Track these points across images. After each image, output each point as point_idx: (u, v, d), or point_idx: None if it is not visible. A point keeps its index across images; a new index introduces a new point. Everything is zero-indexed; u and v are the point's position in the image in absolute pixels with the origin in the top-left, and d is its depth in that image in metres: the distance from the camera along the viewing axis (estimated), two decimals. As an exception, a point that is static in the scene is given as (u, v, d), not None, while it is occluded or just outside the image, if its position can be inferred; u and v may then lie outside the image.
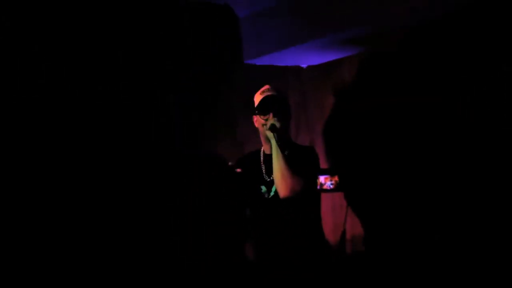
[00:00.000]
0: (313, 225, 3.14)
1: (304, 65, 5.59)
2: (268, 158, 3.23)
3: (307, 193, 3.07)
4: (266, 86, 3.32)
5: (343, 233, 4.90)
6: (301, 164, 3.12)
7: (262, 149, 3.32)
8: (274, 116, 3.15)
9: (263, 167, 3.28)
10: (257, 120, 3.24)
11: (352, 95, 5.37)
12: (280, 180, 3.06)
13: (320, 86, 5.52)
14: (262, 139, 3.27)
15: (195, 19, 5.10)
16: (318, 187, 4.91)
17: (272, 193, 3.17)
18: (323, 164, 5.08)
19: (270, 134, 3.13)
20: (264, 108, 3.20)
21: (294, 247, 2.98)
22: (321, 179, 4.87)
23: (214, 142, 5.29)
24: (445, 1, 4.33)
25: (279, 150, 3.08)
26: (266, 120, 3.17)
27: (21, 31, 3.71)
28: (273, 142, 3.11)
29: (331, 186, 4.77)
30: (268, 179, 3.22)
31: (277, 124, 3.13)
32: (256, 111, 3.23)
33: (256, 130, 3.30)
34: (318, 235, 3.14)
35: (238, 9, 5.04)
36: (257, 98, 3.27)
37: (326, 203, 4.92)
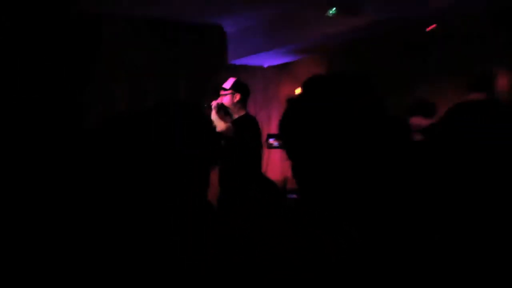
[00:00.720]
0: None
1: (265, 65, 7.89)
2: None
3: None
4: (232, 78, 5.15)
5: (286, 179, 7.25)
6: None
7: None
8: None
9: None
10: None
11: (296, 85, 7.75)
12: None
13: (277, 80, 7.86)
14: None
15: (197, 36, 7.12)
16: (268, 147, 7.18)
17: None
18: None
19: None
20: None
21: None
22: (270, 140, 7.27)
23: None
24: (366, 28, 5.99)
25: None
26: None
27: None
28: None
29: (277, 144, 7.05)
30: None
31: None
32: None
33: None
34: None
35: (227, 27, 7.18)
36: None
37: (275, 156, 7.30)
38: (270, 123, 7.62)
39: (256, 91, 7.00)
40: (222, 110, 4.79)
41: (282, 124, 1.24)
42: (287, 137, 1.23)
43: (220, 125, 4.60)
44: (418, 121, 5.32)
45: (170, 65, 7.01)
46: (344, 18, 5.84)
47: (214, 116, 4.65)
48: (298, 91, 4.86)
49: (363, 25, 5.87)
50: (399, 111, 5.49)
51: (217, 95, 4.91)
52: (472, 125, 2.71)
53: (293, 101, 1.29)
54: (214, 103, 4.78)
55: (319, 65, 7.74)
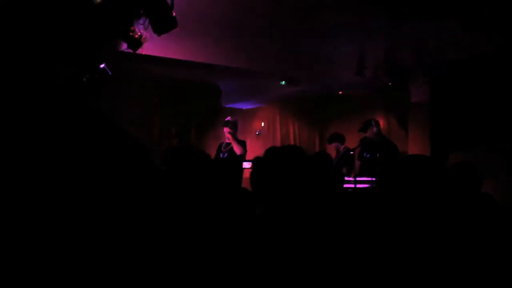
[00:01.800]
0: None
1: (244, 107, 12.45)
2: (227, 144, 9.49)
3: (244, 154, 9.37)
4: (228, 118, 9.00)
5: None
6: (242, 144, 9.05)
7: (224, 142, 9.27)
8: (230, 129, 8.61)
9: (222, 146, 8.55)
10: (225, 130, 8.84)
11: (261, 120, 12.62)
12: (238, 147, 7.90)
13: (248, 117, 12.53)
14: (225, 138, 8.98)
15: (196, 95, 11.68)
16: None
17: (226, 155, 6.99)
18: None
19: (228, 135, 9.13)
20: (226, 124, 8.68)
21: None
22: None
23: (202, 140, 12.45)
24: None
25: (234, 137, 8.17)
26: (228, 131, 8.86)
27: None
28: (231, 139, 8.66)
29: None
30: (224, 151, 8.58)
31: (232, 133, 8.69)
32: (224, 126, 8.87)
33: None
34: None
35: (221, 85, 11.96)
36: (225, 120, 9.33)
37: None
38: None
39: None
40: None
41: (254, 173, 2.03)
42: (257, 179, 2.02)
43: (240, 143, 7.80)
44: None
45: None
46: (289, 86, 10.02)
47: (232, 137, 7.96)
48: (262, 124, 10.58)
49: (300, 90, 10.31)
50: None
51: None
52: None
53: (258, 160, 2.05)
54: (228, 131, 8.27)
55: (275, 109, 12.58)
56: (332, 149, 9.25)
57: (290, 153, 2.14)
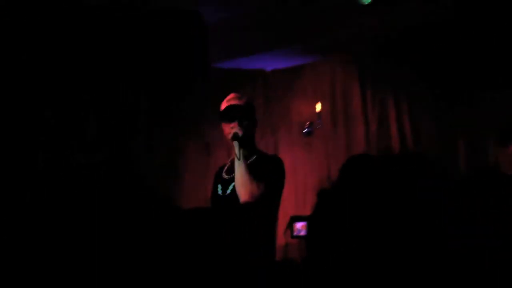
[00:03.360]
0: (263, 231, 3.19)
1: (268, 69, 5.75)
2: (232, 160, 3.32)
3: (265, 199, 3.20)
4: (232, 95, 3.36)
5: None
6: (263, 171, 3.20)
7: (232, 156, 3.41)
8: (239, 125, 3.22)
9: (225, 167, 3.38)
10: (224, 129, 3.33)
11: (313, 99, 5.56)
12: (240, 185, 3.15)
13: (283, 89, 5.70)
14: (231, 145, 3.35)
15: (160, 25, 5.17)
16: (295, 233, 5.00)
17: (228, 191, 3.25)
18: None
19: (233, 143, 3.23)
20: (228, 116, 3.26)
21: (238, 247, 3.04)
22: (298, 225, 5.00)
23: (178, 147, 5.35)
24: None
25: (241, 157, 3.18)
26: (232, 128, 3.24)
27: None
28: (236, 150, 3.21)
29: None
30: (226, 177, 3.32)
31: (239, 133, 3.20)
32: (221, 119, 3.31)
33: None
34: (265, 242, 3.17)
35: (208, 15, 5.17)
36: (223, 105, 3.33)
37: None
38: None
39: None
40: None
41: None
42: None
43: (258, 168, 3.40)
44: None
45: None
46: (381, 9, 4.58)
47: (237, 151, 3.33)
48: (318, 107, 5.42)
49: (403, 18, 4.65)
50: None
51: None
52: None
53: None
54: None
55: (349, 70, 5.52)
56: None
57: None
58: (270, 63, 5.64)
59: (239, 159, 3.15)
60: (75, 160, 4.59)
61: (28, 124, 4.47)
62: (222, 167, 3.45)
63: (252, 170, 3.15)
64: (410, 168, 1.64)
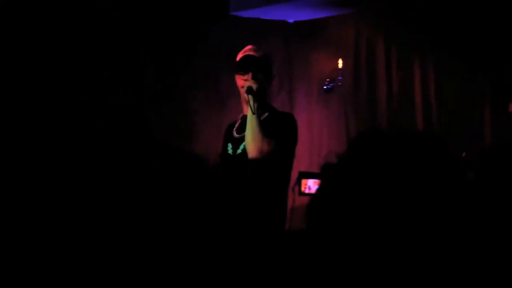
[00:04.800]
0: (274, 190, 3.12)
1: (290, 20, 5.52)
2: (244, 117, 3.20)
3: (276, 157, 3.08)
4: (249, 46, 3.22)
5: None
6: (275, 128, 3.08)
7: (242, 113, 3.29)
8: (252, 78, 3.08)
9: (236, 125, 3.27)
10: (238, 81, 3.20)
11: (335, 54, 5.35)
12: (250, 141, 3.04)
13: (305, 42, 5.47)
14: (242, 101, 3.24)
15: None
16: (307, 190, 4.87)
17: (239, 151, 3.14)
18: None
19: (246, 96, 3.09)
20: (243, 67, 3.12)
21: (248, 209, 2.96)
22: (309, 182, 4.84)
23: (192, 95, 5.19)
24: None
25: (255, 111, 3.06)
26: (245, 81, 3.11)
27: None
28: (250, 103, 3.09)
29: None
30: (237, 136, 3.20)
31: (254, 87, 3.06)
32: (235, 71, 3.18)
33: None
34: (275, 203, 3.13)
35: None
36: (239, 56, 3.20)
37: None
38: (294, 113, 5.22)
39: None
40: None
41: None
42: None
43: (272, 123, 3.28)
44: None
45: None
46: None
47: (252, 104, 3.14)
48: (340, 63, 5.06)
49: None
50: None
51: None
52: None
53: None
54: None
55: (369, 26, 5.28)
56: None
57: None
58: (292, 14, 5.39)
59: (253, 113, 3.01)
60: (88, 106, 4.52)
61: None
62: (233, 125, 3.33)
63: (263, 127, 3.02)
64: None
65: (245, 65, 3.12)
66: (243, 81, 3.12)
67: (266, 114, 3.15)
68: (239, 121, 3.26)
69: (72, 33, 4.53)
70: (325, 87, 5.09)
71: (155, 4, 4.86)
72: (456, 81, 4.95)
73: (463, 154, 4.46)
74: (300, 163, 4.74)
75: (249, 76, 3.09)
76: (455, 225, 1.50)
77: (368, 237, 1.47)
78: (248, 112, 3.05)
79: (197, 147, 4.96)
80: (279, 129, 3.07)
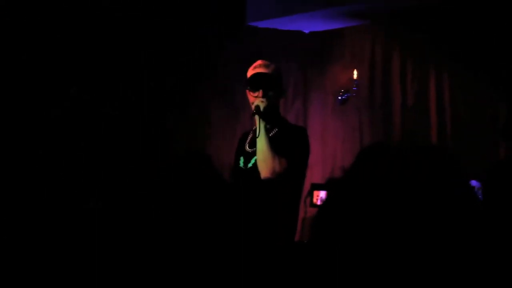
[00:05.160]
0: (284, 207, 3.10)
1: (306, 31, 5.53)
2: (255, 131, 3.16)
3: (288, 175, 3.07)
4: (259, 62, 3.20)
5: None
6: (286, 145, 3.08)
7: (254, 126, 3.29)
8: (263, 96, 3.07)
9: (248, 138, 3.26)
10: (249, 97, 3.19)
11: (350, 65, 5.36)
12: (261, 161, 3.04)
13: (320, 53, 5.48)
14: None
15: None
16: (319, 202, 4.84)
17: (250, 165, 3.13)
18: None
19: (256, 118, 3.08)
20: (253, 85, 3.11)
21: (257, 224, 2.94)
22: (321, 194, 4.83)
23: (208, 108, 5.22)
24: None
25: (262, 131, 3.05)
26: (255, 97, 3.10)
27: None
28: (256, 124, 3.08)
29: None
30: (249, 150, 3.19)
31: (262, 106, 3.05)
32: (246, 87, 3.16)
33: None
34: (286, 219, 3.11)
35: None
36: (249, 72, 3.18)
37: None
38: (308, 125, 5.16)
39: (287, 70, 4.70)
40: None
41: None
42: None
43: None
44: None
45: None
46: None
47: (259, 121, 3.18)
48: (355, 74, 5.16)
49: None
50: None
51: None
52: None
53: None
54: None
55: (384, 37, 5.27)
56: None
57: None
58: (308, 25, 5.40)
59: (257, 136, 3.02)
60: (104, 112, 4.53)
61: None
62: (246, 135, 3.32)
63: (274, 144, 3.02)
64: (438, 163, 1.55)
65: (255, 83, 3.11)
66: (253, 98, 3.11)
67: (276, 130, 3.13)
68: (251, 135, 3.26)
69: (80, 34, 4.55)
70: (339, 98, 5.09)
71: (172, 14, 4.89)
72: (472, 93, 4.92)
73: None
74: (312, 174, 4.74)
75: (259, 93, 3.09)
76: (468, 242, 1.48)
77: (375, 250, 1.45)
78: (257, 131, 3.04)
79: (211, 155, 4.98)
80: (291, 146, 3.06)
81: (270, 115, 3.08)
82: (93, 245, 1.47)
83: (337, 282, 1.41)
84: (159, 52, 4.98)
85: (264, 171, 3.02)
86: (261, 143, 3.03)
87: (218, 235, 1.68)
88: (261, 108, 3.04)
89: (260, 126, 3.03)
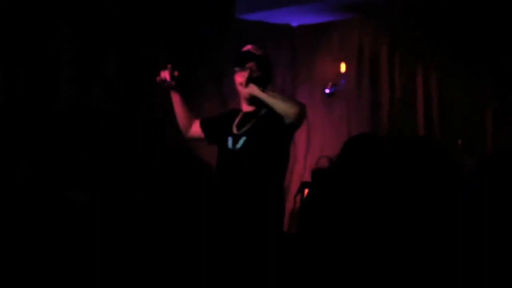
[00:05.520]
0: (273, 184, 3.17)
1: (295, 24, 5.54)
2: (243, 114, 3.23)
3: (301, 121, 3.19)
4: (249, 46, 3.24)
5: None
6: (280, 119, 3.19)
7: (242, 110, 3.31)
8: (250, 75, 3.11)
9: (236, 121, 3.26)
10: (236, 78, 3.20)
11: (338, 58, 5.37)
12: (285, 102, 3.14)
13: (309, 46, 5.49)
14: (241, 99, 3.24)
15: None
16: None
17: (238, 145, 3.16)
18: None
19: (250, 89, 3.10)
20: (241, 62, 3.14)
21: (247, 205, 3.02)
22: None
23: (200, 98, 5.21)
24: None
25: (264, 90, 3.11)
26: (243, 77, 3.12)
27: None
28: (256, 91, 3.10)
29: None
30: (237, 132, 3.22)
31: (254, 75, 3.11)
32: (234, 66, 3.18)
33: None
34: (274, 196, 3.17)
35: None
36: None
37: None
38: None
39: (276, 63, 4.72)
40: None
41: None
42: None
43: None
44: None
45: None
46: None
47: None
48: (343, 68, 5.11)
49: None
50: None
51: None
52: None
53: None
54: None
55: (373, 30, 5.30)
56: None
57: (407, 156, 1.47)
58: (296, 18, 5.41)
59: (265, 95, 3.10)
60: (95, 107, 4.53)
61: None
62: (231, 116, 3.32)
63: (265, 123, 3.11)
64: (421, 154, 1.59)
65: (243, 60, 3.13)
66: (241, 78, 3.13)
67: (265, 111, 3.18)
68: (239, 118, 3.27)
69: (80, 33, 4.55)
70: (327, 90, 5.10)
71: (158, 6, 4.87)
72: (459, 86, 4.96)
73: (459, 141, 4.51)
74: (298, 166, 4.76)
75: (247, 72, 3.10)
76: (454, 233, 1.49)
77: (363, 241, 1.45)
78: (261, 95, 3.10)
79: (198, 146, 5.00)
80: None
81: (262, 83, 3.13)
82: (91, 243, 1.48)
83: (324, 272, 1.43)
84: (149, 47, 4.98)
85: (293, 108, 3.11)
86: (273, 96, 3.11)
87: (208, 221, 1.70)
88: (252, 75, 3.08)
89: (260, 90, 3.10)
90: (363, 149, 1.69)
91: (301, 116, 3.13)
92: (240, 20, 5.18)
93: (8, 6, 4.16)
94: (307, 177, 4.94)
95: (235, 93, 3.40)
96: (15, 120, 4.12)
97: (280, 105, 3.08)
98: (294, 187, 4.66)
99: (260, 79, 3.11)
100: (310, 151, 5.24)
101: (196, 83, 5.02)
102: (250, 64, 3.10)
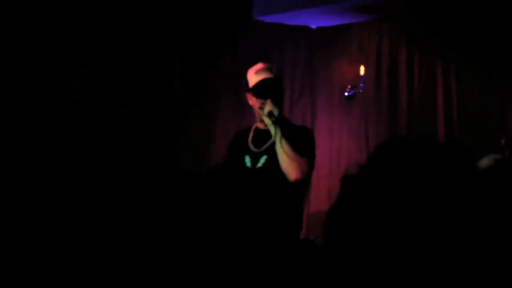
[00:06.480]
0: (293, 206, 3.14)
1: (313, 26, 5.49)
2: (261, 132, 3.17)
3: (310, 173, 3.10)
4: (260, 65, 3.14)
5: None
6: (299, 146, 3.07)
7: (255, 125, 3.26)
8: (272, 103, 3.03)
9: (253, 139, 3.20)
10: (252, 100, 3.13)
11: (357, 60, 5.32)
12: (289, 165, 3.01)
13: (327, 48, 5.44)
14: (257, 115, 3.19)
15: None
16: None
17: (260, 165, 3.11)
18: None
19: (268, 121, 3.03)
20: (261, 92, 3.06)
21: (265, 223, 2.97)
22: None
23: (216, 101, 5.20)
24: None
25: (280, 136, 3.01)
26: (262, 104, 3.06)
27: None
28: (271, 128, 3.03)
29: None
30: (255, 150, 3.16)
31: (275, 112, 3.02)
32: (252, 93, 3.10)
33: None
34: (293, 218, 3.15)
35: None
36: (252, 77, 3.12)
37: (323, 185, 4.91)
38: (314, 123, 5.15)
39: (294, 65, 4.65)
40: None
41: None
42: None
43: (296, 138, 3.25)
44: None
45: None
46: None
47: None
48: (362, 70, 4.99)
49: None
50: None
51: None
52: None
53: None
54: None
55: (391, 32, 5.25)
56: None
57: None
58: (315, 20, 5.32)
59: (276, 141, 3.02)
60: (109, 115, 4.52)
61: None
62: (243, 135, 3.28)
63: (294, 147, 3.03)
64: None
65: (263, 91, 3.06)
66: (260, 103, 3.07)
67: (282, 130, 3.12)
68: (252, 133, 3.22)
69: (84, 34, 4.54)
70: (346, 94, 5.06)
71: (177, 10, 4.86)
72: (479, 88, 4.89)
73: (502, 140, 4.38)
74: (318, 168, 4.72)
75: (268, 101, 3.04)
76: (477, 237, 1.44)
77: (387, 249, 1.42)
78: (275, 137, 3.02)
79: (214, 152, 4.99)
80: (306, 146, 3.09)
81: (281, 120, 3.07)
82: (96, 245, 1.47)
83: (345, 279, 1.39)
84: (165, 49, 4.95)
85: (294, 173, 3.00)
86: (285, 148, 3.00)
87: (226, 234, 1.66)
88: (276, 114, 3.01)
89: (276, 132, 3.01)
90: (396, 155, 1.63)
91: (301, 177, 3.06)
92: (259, 22, 5.11)
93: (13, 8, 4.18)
94: (328, 180, 4.93)
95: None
96: (22, 122, 4.14)
97: (283, 164, 3.03)
98: (313, 192, 4.66)
99: (279, 110, 3.07)
100: (330, 152, 5.22)
101: (212, 87, 5.01)
102: (269, 99, 3.04)
